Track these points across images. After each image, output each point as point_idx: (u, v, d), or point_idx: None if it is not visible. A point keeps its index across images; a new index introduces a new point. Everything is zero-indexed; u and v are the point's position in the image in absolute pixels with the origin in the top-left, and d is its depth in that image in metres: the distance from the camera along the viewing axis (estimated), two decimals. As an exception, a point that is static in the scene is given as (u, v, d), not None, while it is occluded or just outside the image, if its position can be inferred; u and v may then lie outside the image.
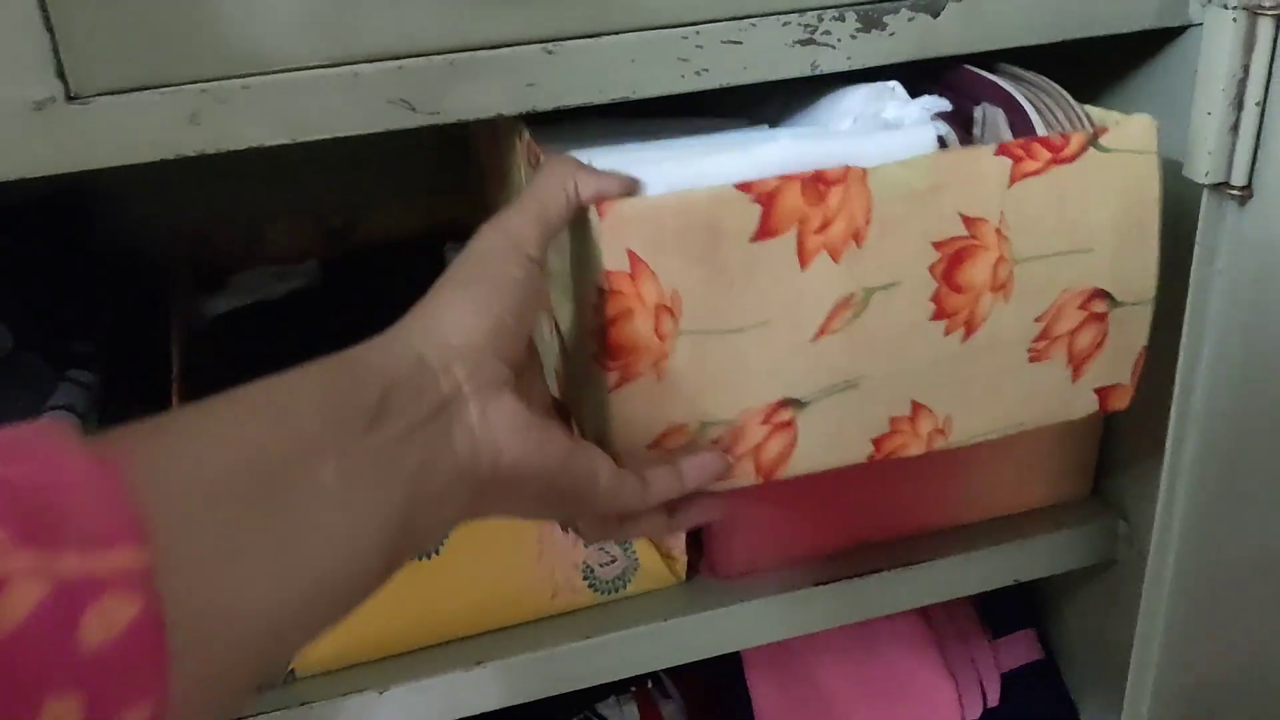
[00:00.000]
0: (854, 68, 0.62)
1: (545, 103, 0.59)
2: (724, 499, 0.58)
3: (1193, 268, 0.63)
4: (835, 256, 0.54)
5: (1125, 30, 0.64)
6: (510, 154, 0.68)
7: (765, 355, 0.55)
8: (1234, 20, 0.56)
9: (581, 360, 0.57)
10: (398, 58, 0.56)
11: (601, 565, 0.75)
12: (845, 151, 0.55)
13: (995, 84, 0.62)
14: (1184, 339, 0.65)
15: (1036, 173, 0.56)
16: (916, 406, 0.59)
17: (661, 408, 0.55)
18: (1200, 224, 0.62)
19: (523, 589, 0.74)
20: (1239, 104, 0.57)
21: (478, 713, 0.74)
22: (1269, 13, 0.55)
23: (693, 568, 0.79)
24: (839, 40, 0.61)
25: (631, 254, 0.52)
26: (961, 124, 0.61)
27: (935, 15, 0.62)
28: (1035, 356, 0.60)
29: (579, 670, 0.75)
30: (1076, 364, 0.61)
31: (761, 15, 0.59)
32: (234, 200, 0.92)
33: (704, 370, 0.55)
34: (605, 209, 0.52)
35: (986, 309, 0.58)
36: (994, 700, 0.91)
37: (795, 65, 0.61)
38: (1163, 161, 0.58)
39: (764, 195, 0.53)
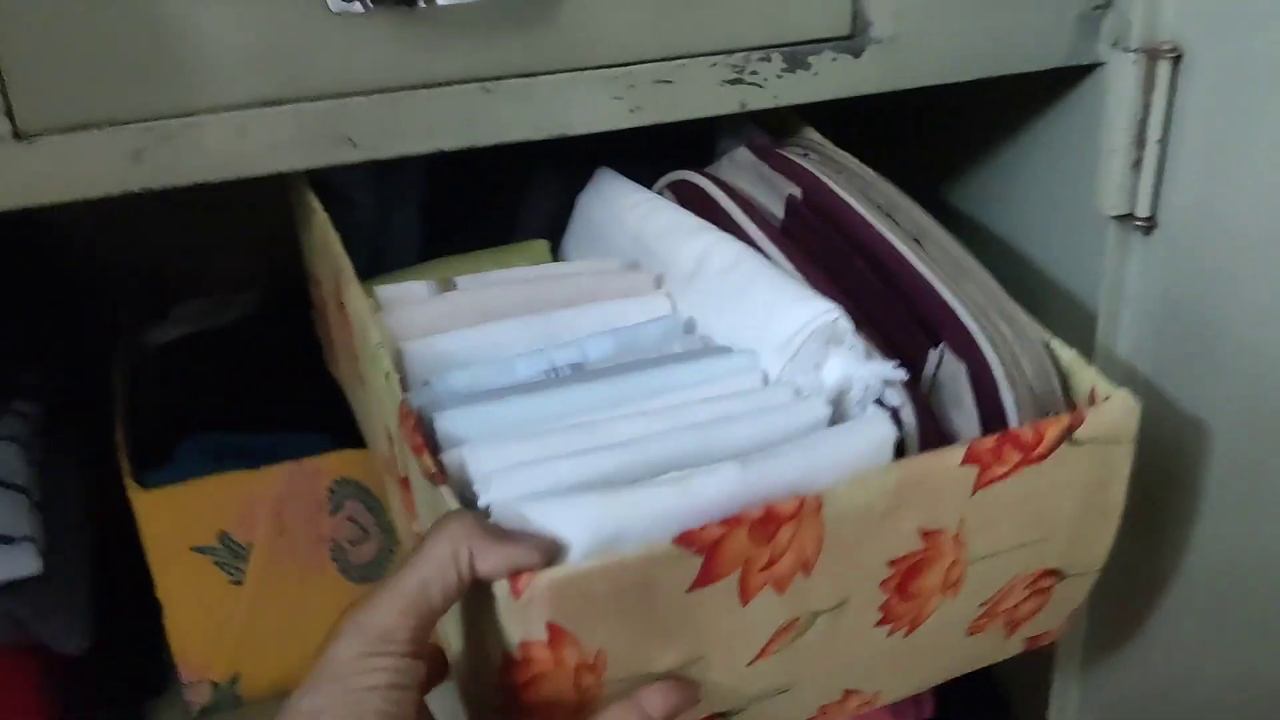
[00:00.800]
0: (780, 105, 0.64)
1: (485, 139, 0.60)
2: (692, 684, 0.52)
3: (1101, 297, 0.66)
4: (781, 590, 0.50)
5: (1037, 68, 0.67)
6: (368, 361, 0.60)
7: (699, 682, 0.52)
8: (1134, 62, 0.59)
9: (485, 695, 0.52)
10: (340, 96, 0.57)
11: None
12: (792, 471, 0.49)
13: (947, 309, 0.56)
14: (1096, 363, 0.68)
15: (1003, 476, 0.51)
16: (848, 693, 0.58)
17: None
18: (1108, 254, 0.65)
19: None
20: (1141, 141, 0.60)
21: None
22: (1166, 55, 0.58)
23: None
24: (765, 80, 0.63)
25: (552, 626, 0.46)
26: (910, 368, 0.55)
27: (856, 56, 0.64)
28: (974, 631, 0.58)
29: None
30: (1012, 628, 0.60)
31: (691, 56, 0.62)
32: (180, 231, 0.93)
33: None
34: (521, 585, 0.44)
35: (933, 608, 0.55)
36: (929, 711, 0.93)
37: (725, 103, 0.63)
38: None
39: (706, 546, 0.47)
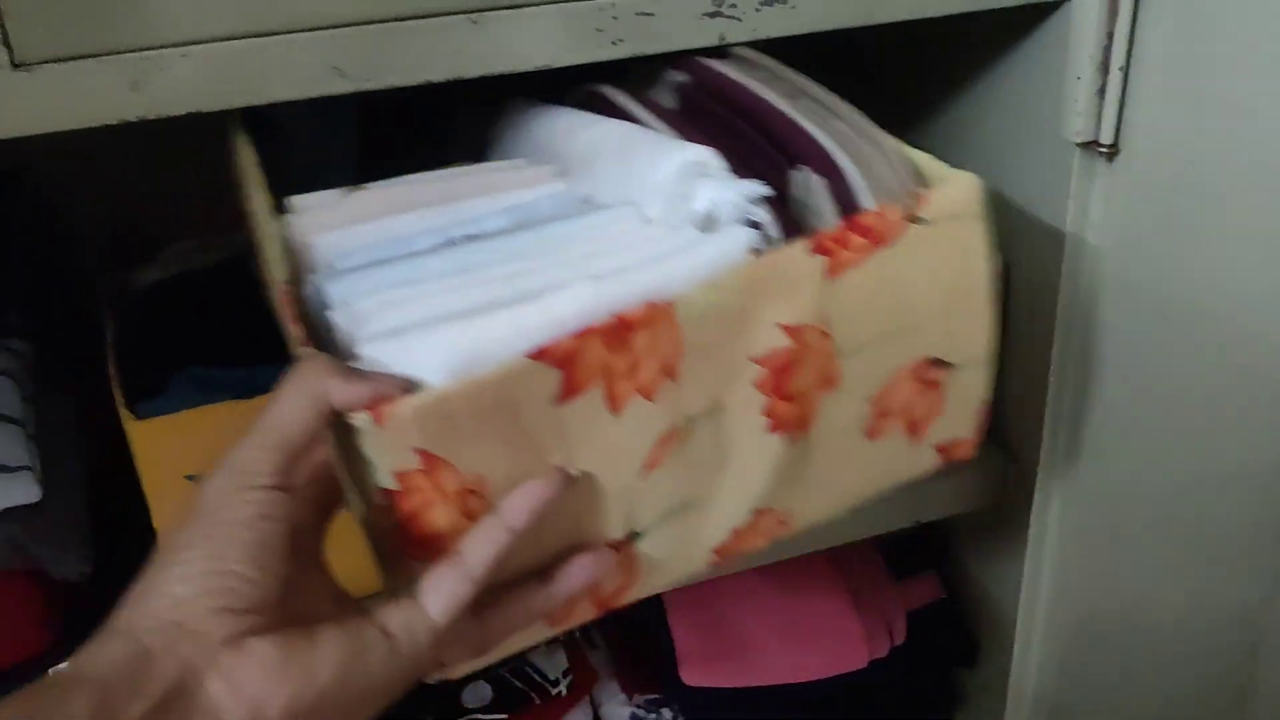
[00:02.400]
0: (759, 38, 0.66)
1: (472, 70, 0.62)
2: (605, 554, 0.55)
3: (1067, 222, 0.69)
4: (649, 396, 0.51)
5: (1008, 4, 0.68)
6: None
7: (592, 503, 0.53)
8: (1098, -10, 0.62)
9: (383, 544, 0.52)
10: (331, 26, 0.59)
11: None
12: (649, 282, 0.51)
13: (809, 137, 0.58)
14: (1062, 287, 0.71)
15: (855, 263, 0.53)
16: (759, 510, 0.58)
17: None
18: (1073, 181, 0.67)
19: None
20: (1105, 68, 0.63)
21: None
22: (1129, -17, 0.61)
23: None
24: (744, 13, 0.65)
25: (421, 452, 0.47)
26: (749, 172, 0.58)
27: (834, -11, 0.66)
28: (873, 434, 0.58)
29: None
30: (915, 430, 0.60)
31: (672, -12, 0.63)
32: (164, 174, 0.94)
33: (527, 535, 0.50)
34: (382, 414, 0.45)
35: (819, 405, 0.56)
36: (900, 638, 0.96)
37: (704, 36, 0.65)
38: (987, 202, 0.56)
39: (562, 358, 0.48)
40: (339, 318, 0.51)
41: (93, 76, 0.55)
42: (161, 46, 0.56)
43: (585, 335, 0.48)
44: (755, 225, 0.55)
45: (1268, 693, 0.74)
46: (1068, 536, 0.81)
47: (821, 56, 0.68)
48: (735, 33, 0.65)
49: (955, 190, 0.54)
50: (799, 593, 0.95)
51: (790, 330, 0.53)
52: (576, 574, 0.53)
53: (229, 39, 0.57)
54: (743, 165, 0.57)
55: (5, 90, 0.55)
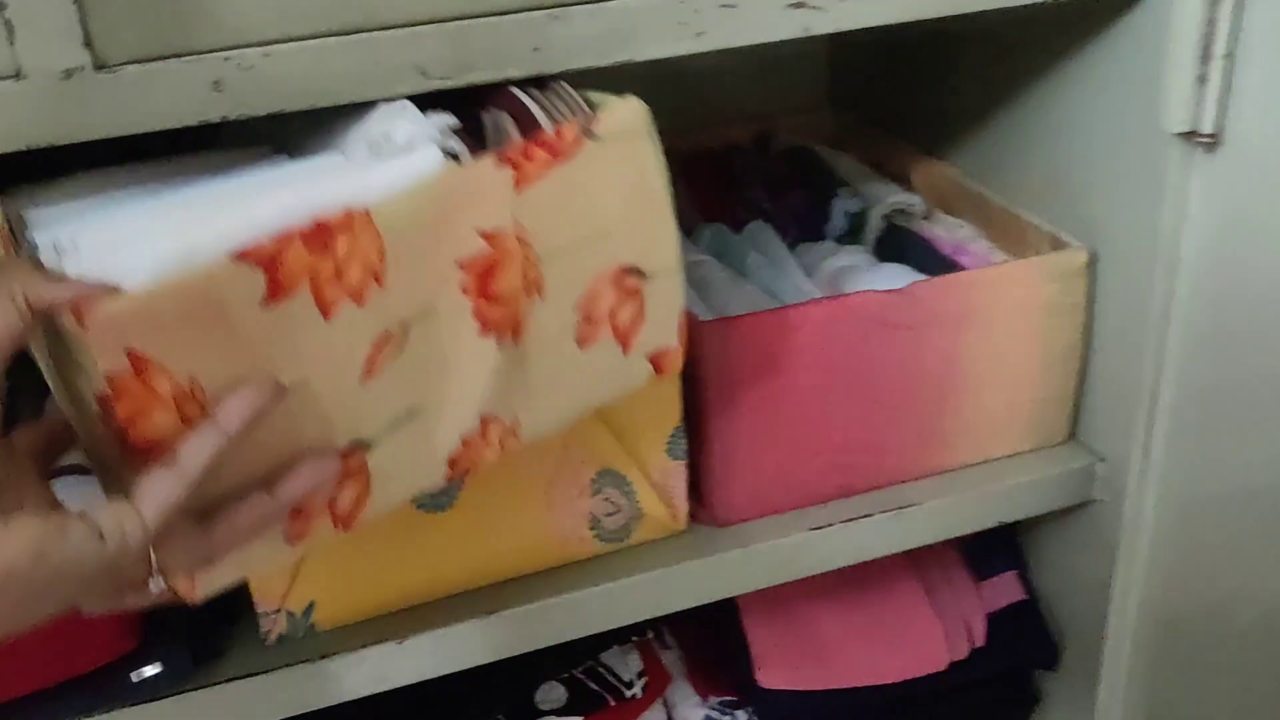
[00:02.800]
0: (841, 29, 0.64)
1: (552, 66, 0.61)
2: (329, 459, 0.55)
3: (1165, 213, 0.66)
4: (359, 300, 0.53)
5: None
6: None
7: (313, 410, 0.54)
8: (1201, -24, 0.59)
9: (103, 453, 0.53)
10: (411, 25, 0.58)
11: (607, 515, 0.78)
12: (346, 190, 0.53)
13: (503, 90, 0.62)
14: (1158, 283, 0.69)
15: (540, 175, 0.57)
16: (485, 420, 0.60)
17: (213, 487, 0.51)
18: (1170, 172, 0.65)
19: (533, 539, 0.77)
20: (1207, 56, 0.60)
21: (491, 660, 0.77)
22: (1235, -32, 0.58)
23: (692, 516, 0.81)
24: (828, 4, 0.63)
25: (131, 353, 0.47)
26: (477, 137, 0.63)
27: (918, -23, 0.64)
28: (584, 340, 0.62)
29: (588, 616, 0.78)
30: (623, 339, 0.63)
31: (756, -21, 0.62)
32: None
33: (249, 441, 0.51)
34: (86, 314, 0.46)
35: (527, 311, 0.59)
36: (980, 640, 0.94)
37: (788, 27, 0.64)
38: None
39: (265, 259, 0.50)
40: (41, 238, 0.52)
41: (175, 77, 0.55)
42: (244, 46, 0.56)
43: (286, 238, 0.50)
44: (453, 155, 0.58)
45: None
46: (1162, 535, 0.79)
47: (904, 44, 0.66)
48: (819, 23, 0.64)
49: (623, 112, 0.59)
50: (877, 593, 0.94)
51: (488, 235, 0.56)
52: (299, 479, 0.53)
53: (311, 38, 0.57)
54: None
55: (89, 92, 0.54)
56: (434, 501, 0.73)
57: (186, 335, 0.49)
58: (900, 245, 0.92)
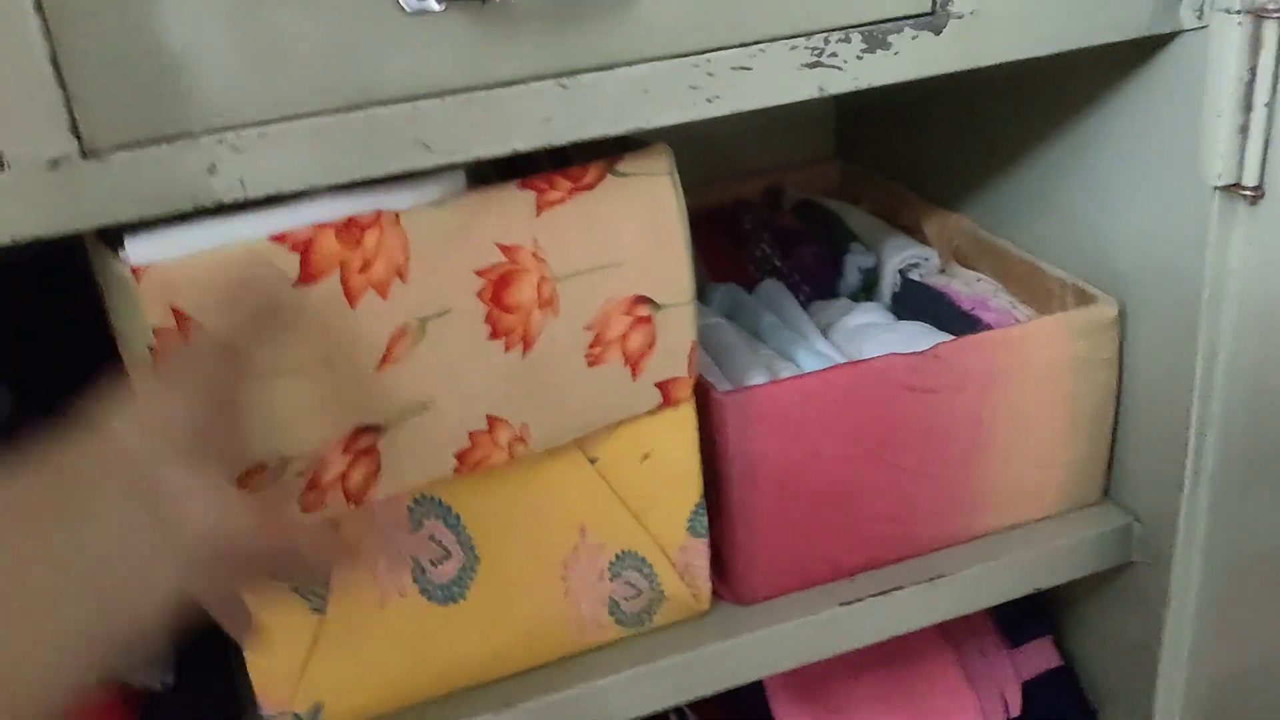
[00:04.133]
0: (859, 87, 0.62)
1: (561, 136, 0.59)
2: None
3: (1207, 268, 0.64)
4: (383, 293, 0.59)
5: (1121, 38, 0.65)
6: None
7: (333, 389, 0.59)
8: (1239, 24, 0.57)
9: None
10: (413, 99, 0.56)
11: (627, 599, 0.75)
12: (378, 201, 0.58)
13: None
14: (1201, 339, 0.66)
15: (561, 201, 0.62)
16: (493, 420, 0.65)
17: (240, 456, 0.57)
18: (1213, 226, 0.63)
19: (550, 628, 0.74)
20: (1248, 105, 0.58)
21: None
22: (1274, 15, 0.56)
23: (715, 594, 0.78)
24: (845, 62, 0.61)
25: (177, 311, 0.55)
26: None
27: (937, 33, 0.62)
28: (593, 361, 0.66)
29: (610, 707, 0.75)
30: (633, 364, 0.67)
31: (770, 40, 0.60)
32: None
33: (272, 410, 0.58)
34: (141, 271, 0.54)
35: (539, 324, 0.64)
36: (1015, 709, 0.91)
37: (804, 88, 0.61)
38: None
39: (300, 244, 0.56)
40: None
41: (167, 162, 0.53)
42: (239, 126, 0.53)
43: (321, 227, 0.57)
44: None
45: None
46: (1208, 595, 0.76)
47: (929, 94, 0.65)
48: (836, 83, 0.62)
49: (647, 154, 0.64)
50: (906, 665, 0.91)
51: (506, 249, 0.61)
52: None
53: (308, 115, 0.54)
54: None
55: (76, 182, 0.52)
56: (445, 593, 0.70)
57: None
58: (918, 301, 0.90)
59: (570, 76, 0.57)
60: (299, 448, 0.60)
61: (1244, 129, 0.59)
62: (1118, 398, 0.79)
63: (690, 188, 0.93)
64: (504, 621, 0.72)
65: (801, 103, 0.63)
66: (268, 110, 0.54)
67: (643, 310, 0.66)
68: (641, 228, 0.65)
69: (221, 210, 0.55)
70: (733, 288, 0.93)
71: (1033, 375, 0.77)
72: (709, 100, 0.60)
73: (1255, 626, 0.75)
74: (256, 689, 0.69)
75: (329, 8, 0.53)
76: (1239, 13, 0.57)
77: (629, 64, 0.58)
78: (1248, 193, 0.60)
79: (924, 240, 0.96)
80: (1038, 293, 0.83)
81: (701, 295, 0.90)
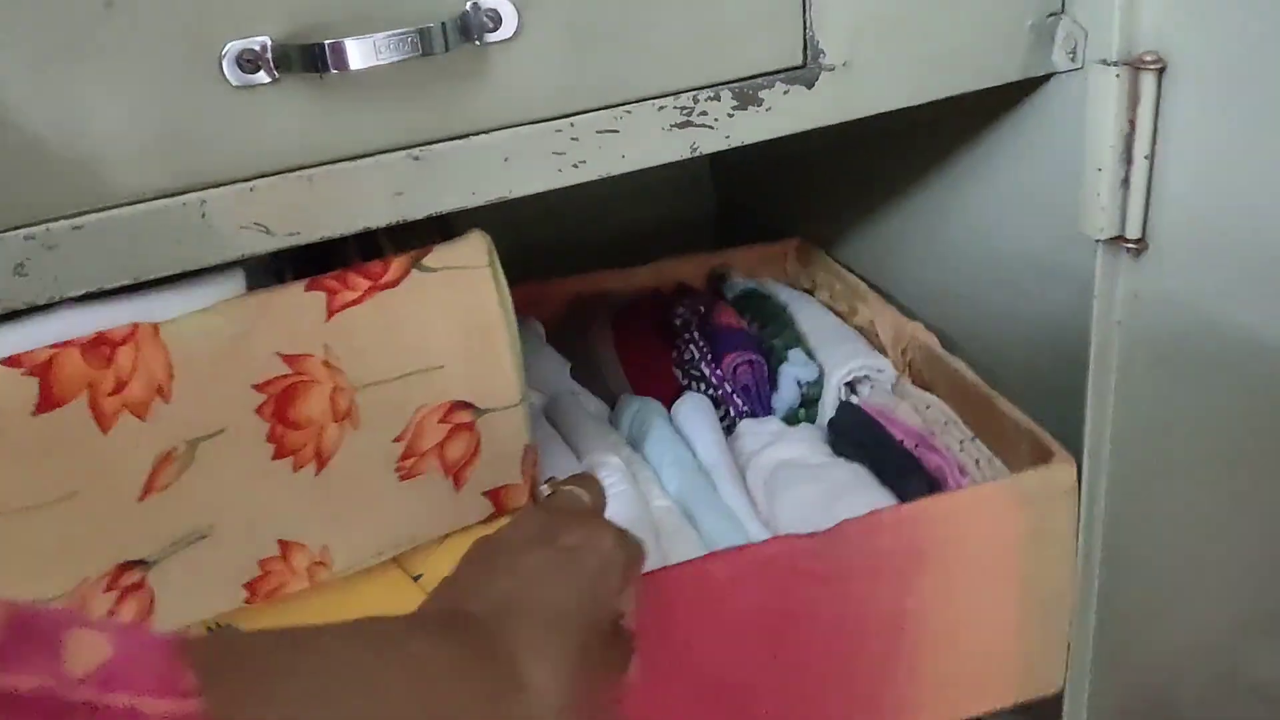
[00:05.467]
0: (734, 145, 0.61)
1: (415, 211, 0.55)
2: None
3: (1093, 323, 0.64)
4: (141, 415, 0.53)
5: (994, 83, 0.64)
6: None
7: (86, 524, 0.54)
8: (1117, 76, 0.57)
9: None
10: (248, 179, 0.52)
11: None
12: (139, 311, 0.53)
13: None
14: (1090, 394, 0.66)
15: (356, 302, 0.56)
16: (285, 545, 0.60)
17: None
18: (1097, 279, 0.63)
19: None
20: (1128, 158, 0.58)
21: None
22: (1151, 67, 0.56)
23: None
24: (716, 120, 0.59)
25: None
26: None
27: (810, 86, 0.61)
28: (406, 475, 0.61)
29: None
30: (454, 474, 0.62)
31: (636, 101, 0.58)
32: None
33: (17, 550, 0.53)
34: None
35: (335, 439, 0.58)
36: None
37: (674, 149, 0.59)
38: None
39: (38, 367, 0.51)
40: None
41: (-31, 262, 0.48)
42: (49, 220, 0.49)
43: (62, 346, 0.51)
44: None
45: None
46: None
47: (808, 144, 0.63)
48: (708, 141, 0.60)
49: (462, 244, 0.58)
50: None
51: (289, 359, 0.56)
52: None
53: (129, 204, 0.50)
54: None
55: None
56: None
57: None
58: (854, 431, 0.79)
59: (423, 147, 0.54)
60: (49, 589, 0.55)
61: (1125, 182, 0.58)
62: (1084, 571, 0.71)
63: (627, 268, 0.91)
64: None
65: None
66: (82, 201, 0.49)
67: (463, 416, 0.61)
68: (456, 327, 0.59)
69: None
70: (647, 404, 0.83)
71: (970, 553, 0.66)
72: (575, 166, 0.57)
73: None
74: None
75: (146, 85, 0.49)
76: (1116, 64, 0.57)
77: (486, 131, 0.55)
78: (1131, 245, 0.60)
79: (879, 347, 0.87)
80: (990, 428, 0.73)
81: (616, 406, 0.84)
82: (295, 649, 0.39)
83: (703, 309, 0.92)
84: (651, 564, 0.59)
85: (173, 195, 0.51)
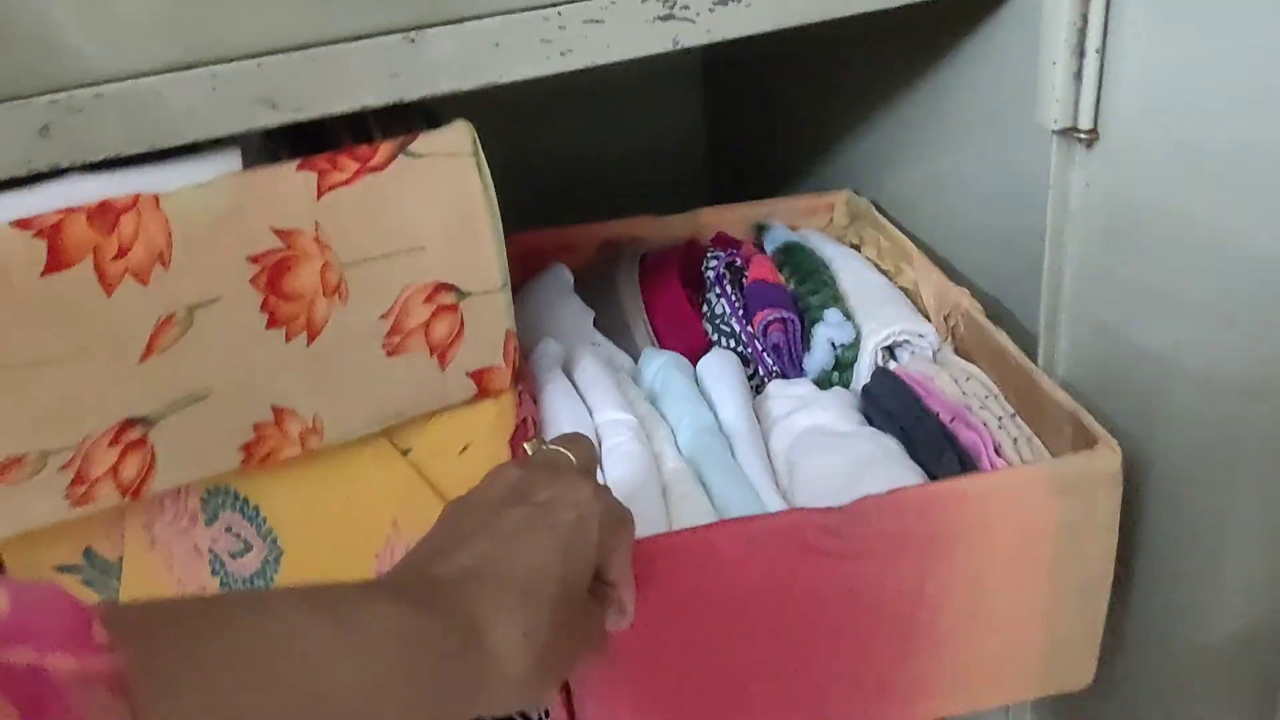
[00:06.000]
0: (714, 40, 0.64)
1: (411, 92, 0.59)
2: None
3: (1049, 213, 0.68)
4: (143, 280, 0.57)
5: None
6: None
7: (92, 381, 0.58)
8: (1071, -27, 0.61)
9: None
10: (256, 55, 0.56)
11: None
12: (141, 182, 0.57)
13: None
14: (1045, 280, 0.70)
15: (346, 183, 0.60)
16: (279, 411, 0.64)
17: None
18: (1052, 169, 0.67)
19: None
20: (1081, 51, 0.62)
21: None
22: (1102, -37, 0.60)
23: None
24: (698, 14, 0.63)
25: None
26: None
27: (788, -18, 0.64)
28: (393, 351, 0.65)
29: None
30: (439, 353, 0.66)
31: (622, -9, 0.61)
32: None
33: (26, 403, 0.57)
34: None
35: (324, 313, 0.62)
36: None
37: (658, 41, 0.63)
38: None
39: (47, 230, 0.55)
40: None
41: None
42: (73, 87, 0.53)
43: (70, 211, 0.55)
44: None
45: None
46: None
47: (782, 53, 0.67)
48: (689, 35, 0.64)
49: (448, 132, 0.62)
50: None
51: (281, 234, 0.60)
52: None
53: (146, 75, 0.54)
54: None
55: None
56: (249, 586, 0.71)
57: None
58: (887, 399, 0.75)
59: (418, 30, 0.58)
60: (58, 441, 0.59)
61: (1078, 74, 0.63)
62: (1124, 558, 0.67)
63: (664, 215, 0.92)
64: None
65: (668, 65, 0.64)
66: (103, 71, 0.54)
67: (446, 298, 0.65)
68: (442, 211, 0.63)
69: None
70: (672, 360, 0.80)
71: (999, 539, 0.63)
72: (562, 54, 0.61)
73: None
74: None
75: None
76: (1069, -40, 0.61)
77: (478, 17, 0.59)
78: (1083, 135, 0.64)
79: (923, 310, 0.82)
80: (1032, 408, 0.69)
81: (640, 360, 0.83)
82: (232, 610, 0.37)
83: (738, 261, 0.89)
84: (658, 528, 0.62)
85: (186, 69, 0.55)
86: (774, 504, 0.68)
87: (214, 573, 0.70)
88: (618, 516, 0.51)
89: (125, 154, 0.55)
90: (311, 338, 0.63)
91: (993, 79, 0.73)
